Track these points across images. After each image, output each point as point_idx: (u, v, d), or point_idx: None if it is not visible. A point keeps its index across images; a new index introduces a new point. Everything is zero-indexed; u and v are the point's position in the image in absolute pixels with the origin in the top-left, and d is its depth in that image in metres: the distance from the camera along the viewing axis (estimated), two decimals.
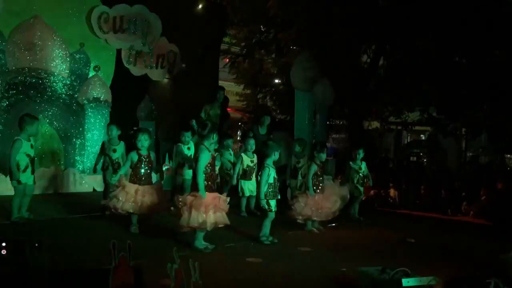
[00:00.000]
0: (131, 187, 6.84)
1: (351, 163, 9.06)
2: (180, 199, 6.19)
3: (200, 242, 6.14)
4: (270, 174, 6.69)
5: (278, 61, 16.59)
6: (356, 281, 4.75)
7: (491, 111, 12.71)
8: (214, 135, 6.22)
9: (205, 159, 6.05)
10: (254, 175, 8.39)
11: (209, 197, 6.00)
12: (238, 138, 16.54)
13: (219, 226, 6.20)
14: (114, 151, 8.16)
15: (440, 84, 12.40)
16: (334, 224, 8.17)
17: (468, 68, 12.34)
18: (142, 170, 6.97)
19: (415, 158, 18.60)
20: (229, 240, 6.66)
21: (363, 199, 9.36)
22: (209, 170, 6.07)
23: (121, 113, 11.26)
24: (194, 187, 6.11)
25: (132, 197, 6.78)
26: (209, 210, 5.98)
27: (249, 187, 8.44)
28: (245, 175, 8.48)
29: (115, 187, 7.05)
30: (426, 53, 12.02)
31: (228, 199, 6.34)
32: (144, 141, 7.02)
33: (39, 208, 7.83)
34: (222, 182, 8.96)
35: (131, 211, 6.81)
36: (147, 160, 7.04)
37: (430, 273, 4.20)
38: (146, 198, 6.85)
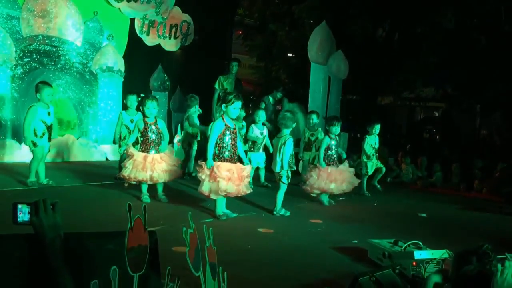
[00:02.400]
0: (139, 155, 6.80)
1: (367, 137, 9.01)
2: (197, 167, 6.34)
3: (218, 209, 6.27)
4: (292, 145, 6.69)
5: (292, 34, 16.40)
6: (368, 253, 4.77)
7: (507, 88, 12.55)
8: (231, 107, 6.15)
9: (216, 129, 6.09)
10: (261, 147, 8.44)
11: (216, 168, 6.03)
12: (249, 112, 16.51)
13: (226, 195, 6.22)
14: (132, 121, 8.16)
15: (456, 60, 12.23)
16: (344, 197, 8.18)
17: (486, 45, 12.16)
18: (150, 138, 6.89)
19: (428, 135, 18.51)
20: (241, 210, 6.70)
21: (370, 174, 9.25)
22: (219, 141, 6.09)
23: (134, 83, 11.25)
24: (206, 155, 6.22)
25: (140, 165, 6.74)
26: (210, 179, 6.05)
27: (256, 159, 8.44)
28: (253, 146, 8.48)
29: (125, 156, 7.07)
30: (444, 28, 11.82)
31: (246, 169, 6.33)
32: (152, 108, 6.91)
33: (53, 176, 7.90)
34: None
35: (140, 179, 6.79)
36: (154, 127, 6.97)
37: (442, 248, 4.19)
38: (156, 166, 6.82)
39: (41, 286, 1.91)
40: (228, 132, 6.14)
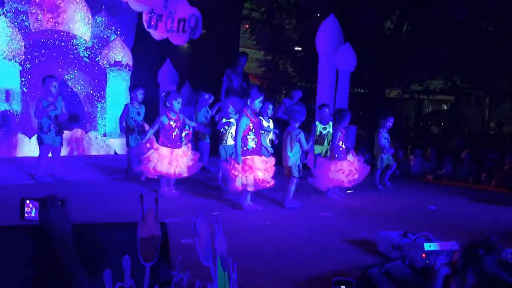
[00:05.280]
0: (164, 149, 6.90)
1: (381, 130, 8.95)
2: (225, 164, 6.50)
3: (244, 200, 6.42)
4: (303, 140, 6.69)
5: (299, 27, 16.34)
6: (377, 245, 4.77)
7: None
8: (257, 101, 6.31)
9: (242, 125, 6.23)
10: (267, 140, 8.47)
11: (247, 161, 6.18)
12: None
13: (260, 187, 6.40)
14: (138, 113, 8.32)
15: (465, 51, 12.15)
16: (352, 191, 8.16)
17: (494, 35, 12.06)
18: (174, 133, 7.00)
19: (436, 128, 18.44)
20: (255, 202, 6.69)
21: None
22: (249, 135, 6.25)
23: (142, 77, 11.27)
24: (235, 150, 6.40)
25: (166, 159, 6.85)
26: (243, 174, 6.20)
27: None
28: None
29: (145, 149, 7.06)
30: (453, 19, 11.74)
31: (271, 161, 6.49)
32: (177, 104, 7.02)
33: (62, 170, 7.95)
34: None
35: (164, 172, 6.88)
36: (178, 123, 7.07)
37: (452, 240, 4.18)
38: (179, 161, 6.93)
39: (52, 277, 1.93)
40: (253, 126, 6.29)
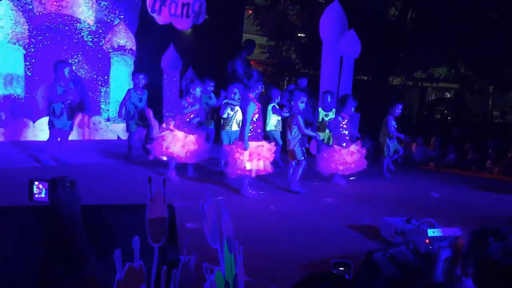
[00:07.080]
0: (179, 133, 7.03)
1: (390, 118, 8.91)
2: (227, 147, 6.57)
3: (245, 188, 6.45)
4: (300, 122, 6.70)
5: (303, 13, 16.25)
6: (380, 230, 4.79)
7: None
8: (260, 85, 6.37)
9: (251, 110, 6.25)
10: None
11: (253, 146, 6.22)
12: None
13: (262, 173, 6.47)
14: (140, 100, 8.31)
15: (470, 39, 12.09)
16: (354, 177, 8.15)
17: (499, 23, 12.01)
18: (189, 118, 7.16)
19: (439, 116, 18.42)
20: (254, 188, 6.72)
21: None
22: (255, 119, 6.29)
23: (146, 62, 11.24)
24: (241, 136, 6.40)
25: (179, 141, 6.99)
26: (253, 158, 6.24)
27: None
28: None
29: (160, 129, 7.26)
30: (458, 6, 11.68)
31: (274, 147, 6.59)
32: (198, 92, 7.23)
33: (66, 154, 7.96)
34: None
35: (176, 154, 7.00)
36: (194, 109, 7.23)
37: (454, 226, 4.20)
38: (192, 146, 7.06)
39: (61, 258, 1.94)
40: (258, 111, 6.36)
